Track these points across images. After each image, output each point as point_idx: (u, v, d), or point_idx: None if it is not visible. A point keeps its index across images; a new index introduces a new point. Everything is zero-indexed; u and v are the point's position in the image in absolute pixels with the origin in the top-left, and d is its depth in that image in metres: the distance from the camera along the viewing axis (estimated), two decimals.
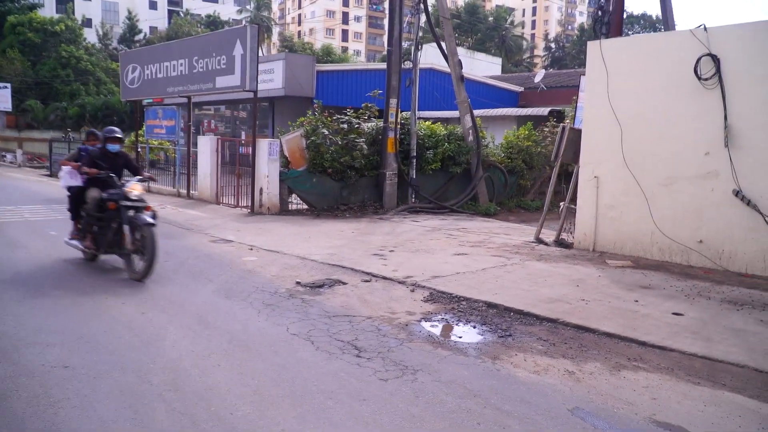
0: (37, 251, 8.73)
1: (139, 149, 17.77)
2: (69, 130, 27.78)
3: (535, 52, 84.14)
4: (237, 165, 14.43)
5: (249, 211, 13.45)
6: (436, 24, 17.05)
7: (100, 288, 6.77)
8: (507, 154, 16.85)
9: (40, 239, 9.67)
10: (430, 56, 23.64)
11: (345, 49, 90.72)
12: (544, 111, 19.83)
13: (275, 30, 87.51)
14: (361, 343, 5.14)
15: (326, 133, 13.48)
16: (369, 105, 15.07)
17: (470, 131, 15.59)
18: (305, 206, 13.97)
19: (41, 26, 52.65)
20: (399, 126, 14.67)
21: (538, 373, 4.58)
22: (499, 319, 5.96)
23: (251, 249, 9.23)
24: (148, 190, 17.49)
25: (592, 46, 9.43)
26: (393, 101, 14.41)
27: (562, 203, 10.68)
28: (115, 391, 4.06)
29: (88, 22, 74.72)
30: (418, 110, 15.41)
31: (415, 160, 15.00)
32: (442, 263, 8.38)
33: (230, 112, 29.67)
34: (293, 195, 13.89)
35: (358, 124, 14.41)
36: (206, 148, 15.10)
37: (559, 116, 18.76)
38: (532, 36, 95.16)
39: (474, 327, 5.76)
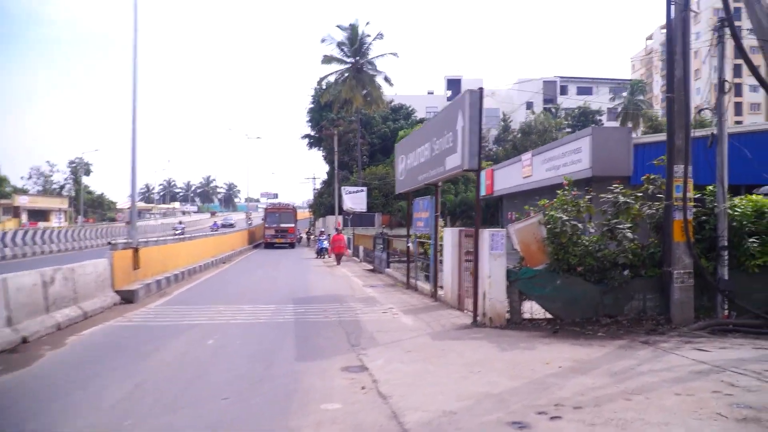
0: (159, 362, 7.67)
1: (409, 244, 16.54)
2: (384, 227, 28.99)
3: None
4: (474, 262, 11.69)
5: (472, 321, 10.51)
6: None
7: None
8: None
9: (182, 344, 8.72)
10: None
11: (739, 123, 77.73)
12: None
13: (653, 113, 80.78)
14: None
15: (564, 218, 9.83)
16: (652, 177, 10.82)
17: None
18: (548, 315, 10.32)
19: None
20: (692, 203, 9.96)
21: None
22: None
23: (363, 389, 6.43)
24: (415, 288, 16.00)
25: None
26: (678, 169, 9.88)
27: None
28: None
29: None
30: (730, 181, 10.30)
31: (725, 253, 9.91)
32: None
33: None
34: (531, 301, 10.43)
35: (627, 203, 10.29)
36: (449, 242, 12.82)
37: None
38: None
39: None
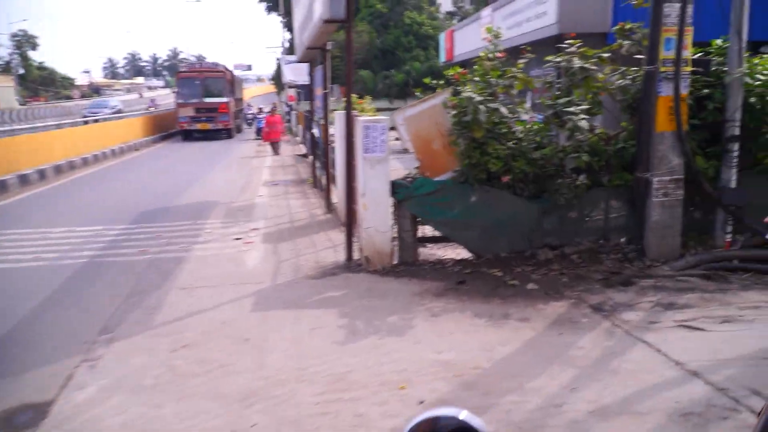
0: None
1: (314, 129, 12.71)
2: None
3: None
4: (347, 168, 7.84)
5: (345, 260, 6.96)
6: None
7: None
8: None
9: None
10: None
11: None
12: None
13: None
14: None
15: (476, 99, 5.97)
16: (629, 26, 6.85)
17: None
18: (462, 251, 6.81)
19: None
20: (690, 68, 6.11)
21: None
22: None
23: None
24: (321, 187, 12.40)
25: None
26: (671, 9, 5.90)
27: None
28: None
29: None
30: (751, 37, 6.40)
31: (736, 146, 6.23)
32: None
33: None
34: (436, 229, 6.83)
35: (586, 71, 6.41)
36: (339, 132, 9.01)
37: None
38: None
39: None
